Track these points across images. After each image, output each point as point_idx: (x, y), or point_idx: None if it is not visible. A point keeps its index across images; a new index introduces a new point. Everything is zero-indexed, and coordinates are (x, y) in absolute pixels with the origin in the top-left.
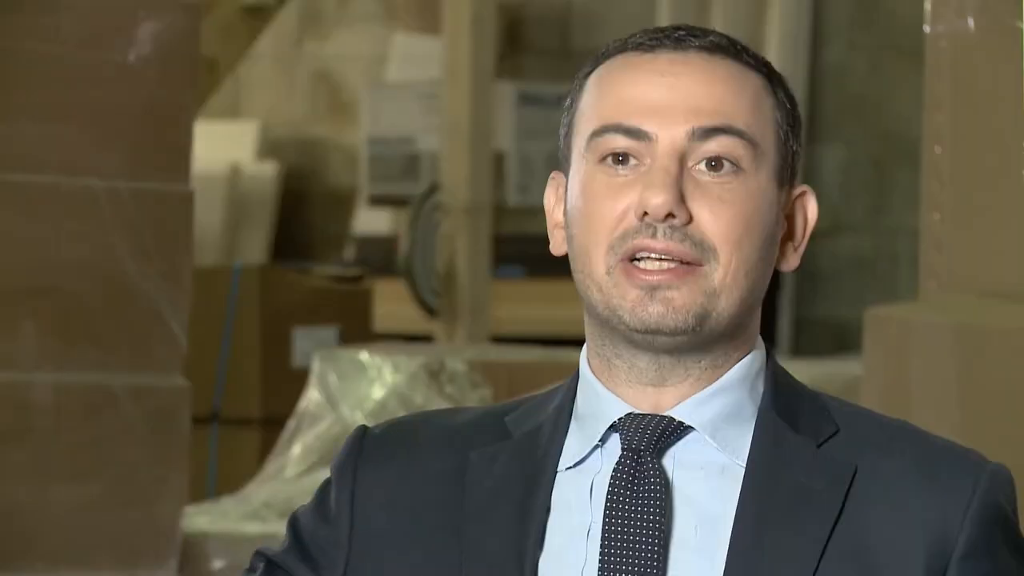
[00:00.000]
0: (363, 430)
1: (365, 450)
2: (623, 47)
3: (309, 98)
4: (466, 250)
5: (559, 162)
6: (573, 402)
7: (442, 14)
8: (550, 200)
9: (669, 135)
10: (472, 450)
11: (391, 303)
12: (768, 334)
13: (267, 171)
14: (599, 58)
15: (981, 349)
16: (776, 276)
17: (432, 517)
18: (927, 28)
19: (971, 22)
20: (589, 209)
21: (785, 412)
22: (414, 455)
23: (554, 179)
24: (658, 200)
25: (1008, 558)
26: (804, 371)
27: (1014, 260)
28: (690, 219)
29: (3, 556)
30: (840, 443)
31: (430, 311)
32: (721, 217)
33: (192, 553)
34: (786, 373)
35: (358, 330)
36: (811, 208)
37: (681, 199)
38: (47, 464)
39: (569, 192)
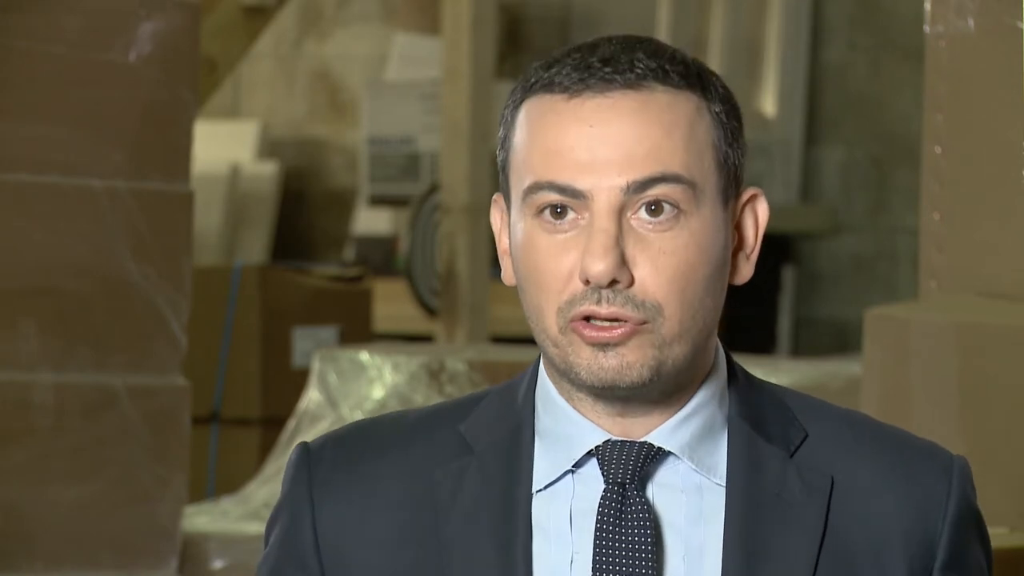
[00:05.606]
0: (305, 450)
1: (317, 476)
2: (549, 85)
3: (309, 98)
4: (466, 250)
5: (499, 185)
6: (533, 415)
7: (442, 14)
8: (496, 223)
9: (604, 193)
10: (433, 468)
11: (391, 303)
12: (768, 334)
13: (267, 171)
14: (526, 89)
15: (981, 348)
16: (776, 276)
17: (410, 552)
18: (927, 28)
19: (971, 22)
20: (535, 267)
21: (753, 420)
22: (372, 477)
23: (496, 202)
24: (599, 268)
25: (980, 555)
26: (804, 371)
27: (1014, 260)
28: (633, 281)
29: (3, 556)
30: (811, 450)
31: (430, 311)
32: (664, 271)
33: (192, 553)
34: (747, 374)
35: (358, 330)
36: (761, 209)
37: (622, 261)
38: (47, 464)
39: (512, 235)
